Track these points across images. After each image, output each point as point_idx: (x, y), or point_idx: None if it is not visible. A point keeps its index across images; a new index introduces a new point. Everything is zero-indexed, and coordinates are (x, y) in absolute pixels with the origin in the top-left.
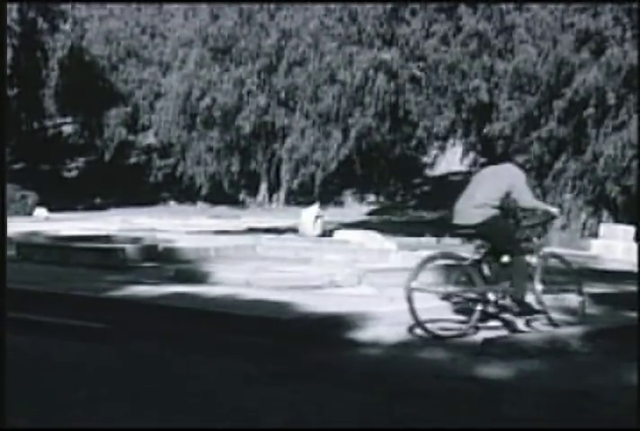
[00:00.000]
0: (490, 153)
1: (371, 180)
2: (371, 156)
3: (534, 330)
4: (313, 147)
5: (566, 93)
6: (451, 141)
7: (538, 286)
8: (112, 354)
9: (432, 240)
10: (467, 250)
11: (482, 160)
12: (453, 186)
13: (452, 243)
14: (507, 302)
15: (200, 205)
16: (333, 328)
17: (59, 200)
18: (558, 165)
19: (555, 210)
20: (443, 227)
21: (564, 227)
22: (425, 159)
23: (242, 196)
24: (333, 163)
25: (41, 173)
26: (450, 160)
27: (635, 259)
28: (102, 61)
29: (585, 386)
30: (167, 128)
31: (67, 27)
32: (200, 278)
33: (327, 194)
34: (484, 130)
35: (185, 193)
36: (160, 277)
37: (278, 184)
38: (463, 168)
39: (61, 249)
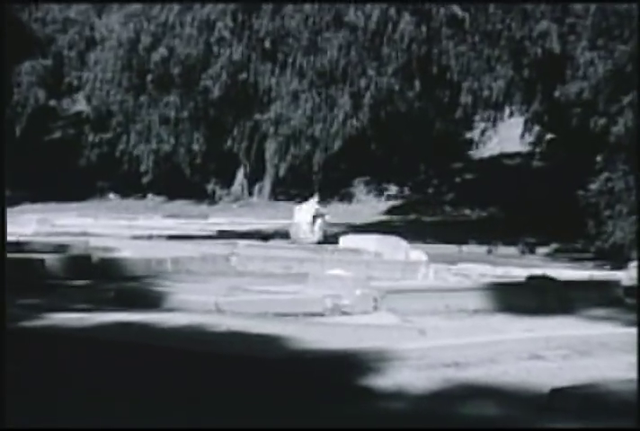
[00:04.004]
0: (561, 125)
1: (392, 164)
2: (393, 132)
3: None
4: (310, 119)
5: None
6: (507, 110)
7: None
8: (28, 408)
9: (480, 249)
10: (524, 264)
11: (549, 136)
12: (508, 173)
13: (508, 253)
14: None
15: (152, 198)
16: (340, 371)
17: None
18: None
19: None
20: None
21: None
22: (470, 135)
23: (210, 186)
24: (338, 141)
25: None
26: (505, 136)
27: None
28: None
29: None
30: (105, 90)
31: None
32: (151, 302)
33: (330, 184)
34: (555, 94)
35: (130, 182)
36: (95, 301)
37: (261, 170)
38: (523, 147)
39: None
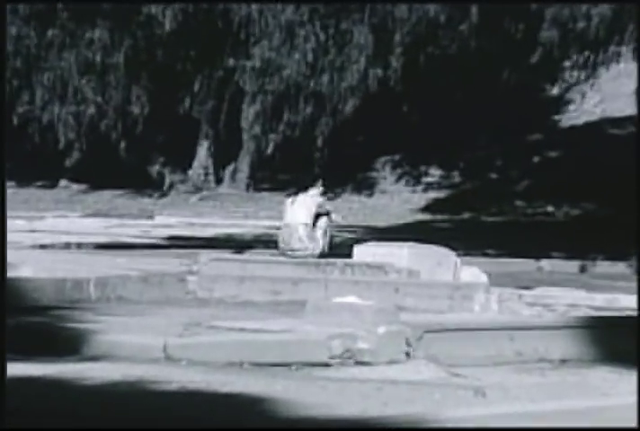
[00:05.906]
0: None
1: (434, 136)
2: (436, 86)
3: None
4: (312, 66)
5: None
6: (612, 51)
7: None
8: None
9: (569, 265)
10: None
11: None
12: (614, 149)
13: (613, 273)
14: None
15: (67, 187)
16: None
17: None
18: None
19: None
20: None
21: None
22: (555, 91)
23: (157, 168)
24: (353, 101)
25: None
26: (610, 92)
27: None
28: None
29: None
30: None
31: None
32: (65, 346)
33: (341, 167)
34: None
35: (33, 161)
36: None
37: (236, 145)
38: (636, 109)
39: None
